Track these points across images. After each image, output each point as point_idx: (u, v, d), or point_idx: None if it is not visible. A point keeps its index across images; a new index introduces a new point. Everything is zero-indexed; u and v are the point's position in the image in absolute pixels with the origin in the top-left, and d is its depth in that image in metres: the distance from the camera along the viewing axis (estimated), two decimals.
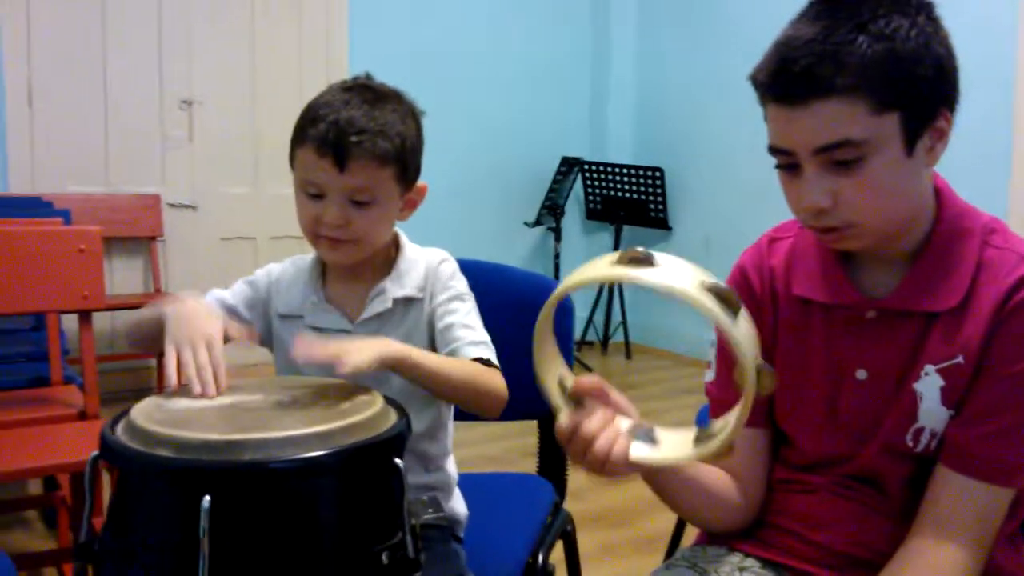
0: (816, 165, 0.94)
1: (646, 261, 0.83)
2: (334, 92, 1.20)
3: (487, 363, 1.20)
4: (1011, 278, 0.97)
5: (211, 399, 1.02)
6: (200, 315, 1.11)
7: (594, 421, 0.90)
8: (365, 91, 1.20)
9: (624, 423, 0.93)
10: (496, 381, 1.19)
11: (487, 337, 1.24)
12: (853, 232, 0.97)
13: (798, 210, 1.00)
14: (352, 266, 1.27)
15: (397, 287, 1.25)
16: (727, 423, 0.89)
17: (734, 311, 0.82)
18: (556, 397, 0.94)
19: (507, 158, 5.30)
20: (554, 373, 0.95)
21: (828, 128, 0.91)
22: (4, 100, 3.89)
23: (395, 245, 1.31)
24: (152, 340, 1.15)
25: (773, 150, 0.98)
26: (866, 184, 0.93)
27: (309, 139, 1.16)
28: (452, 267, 1.29)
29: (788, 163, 0.97)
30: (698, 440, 0.92)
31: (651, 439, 0.93)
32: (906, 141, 0.93)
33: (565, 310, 1.59)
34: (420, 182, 1.27)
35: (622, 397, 0.95)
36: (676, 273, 0.82)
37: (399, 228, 1.33)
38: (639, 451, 0.91)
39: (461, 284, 1.28)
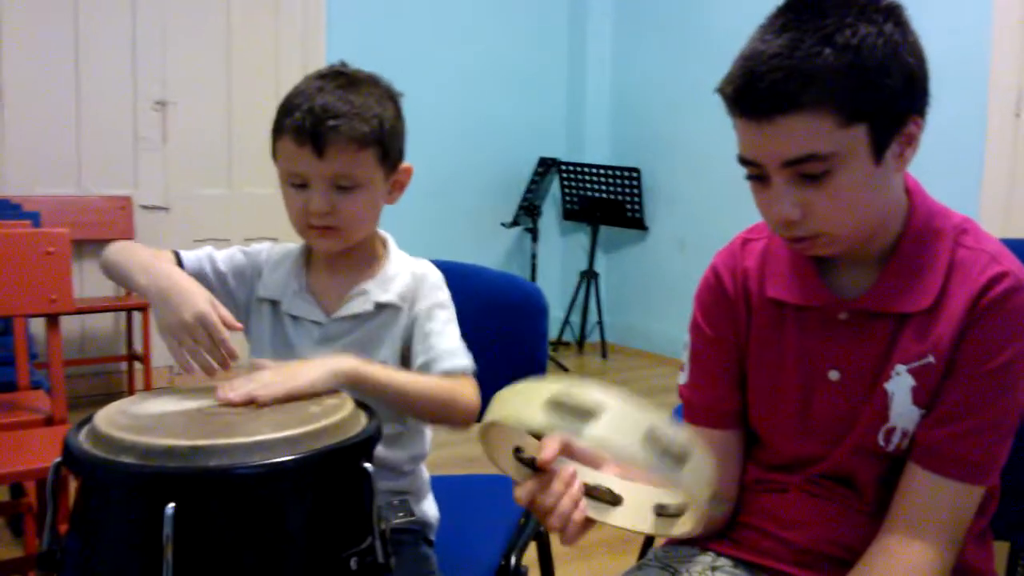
0: (784, 177, 0.94)
1: (588, 415, 0.78)
2: (308, 81, 1.21)
3: (461, 374, 1.20)
4: (982, 278, 0.98)
5: (180, 404, 1.00)
6: (184, 291, 1.09)
7: (550, 494, 0.90)
8: (339, 77, 1.21)
9: (587, 476, 0.93)
10: (466, 394, 1.18)
11: (462, 345, 1.23)
12: (823, 241, 0.97)
13: (768, 219, 1.00)
14: (337, 257, 1.26)
15: (380, 291, 1.25)
16: (686, 516, 0.90)
17: (680, 458, 0.78)
18: (512, 470, 0.94)
19: (484, 158, 5.29)
20: (506, 450, 0.94)
21: (795, 143, 0.91)
22: None
23: (383, 246, 1.31)
24: (124, 286, 1.17)
25: (742, 161, 0.98)
26: (834, 196, 0.93)
27: (287, 129, 1.16)
28: (437, 279, 1.29)
29: (757, 174, 0.97)
30: (659, 515, 0.93)
31: (613, 499, 0.93)
32: (874, 150, 0.92)
33: (539, 311, 1.59)
34: (405, 163, 1.26)
35: (586, 447, 0.94)
36: (619, 428, 0.78)
37: (386, 232, 1.33)
38: (598, 513, 0.92)
39: (443, 295, 1.28)
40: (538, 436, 0.92)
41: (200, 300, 1.08)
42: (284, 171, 1.20)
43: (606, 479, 0.96)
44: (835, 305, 1.04)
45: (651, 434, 0.77)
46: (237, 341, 1.23)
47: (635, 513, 0.93)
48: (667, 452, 0.78)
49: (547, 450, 0.90)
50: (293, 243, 1.33)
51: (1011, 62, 3.56)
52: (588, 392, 0.80)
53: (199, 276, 1.22)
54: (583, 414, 0.79)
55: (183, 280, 1.12)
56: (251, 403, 1.00)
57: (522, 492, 0.91)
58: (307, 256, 1.31)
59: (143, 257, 1.18)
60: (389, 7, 4.86)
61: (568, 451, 0.94)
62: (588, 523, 0.91)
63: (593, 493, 0.93)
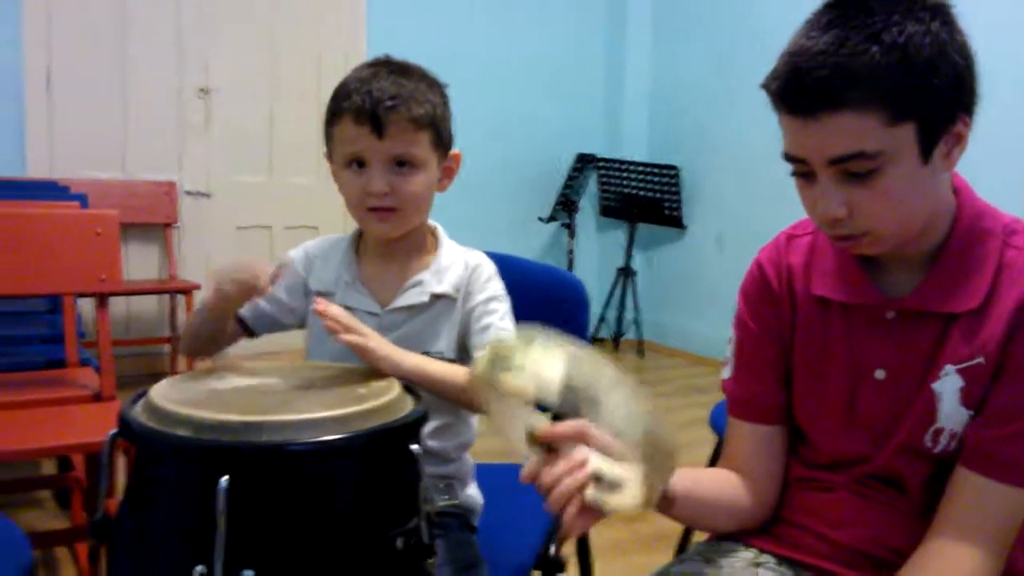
0: (830, 175, 0.93)
1: (515, 367, 0.85)
2: (360, 70, 1.24)
3: None
4: None
5: (235, 380, 1.03)
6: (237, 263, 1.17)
7: (553, 471, 0.88)
8: (389, 64, 1.24)
9: (594, 462, 0.89)
10: None
11: None
12: (869, 239, 0.96)
13: (814, 216, 0.99)
14: (389, 246, 1.28)
15: (435, 282, 1.26)
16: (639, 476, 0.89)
17: (593, 404, 0.81)
18: (522, 447, 0.92)
19: (522, 154, 5.29)
20: (518, 422, 0.92)
21: (841, 140, 0.90)
22: (24, 85, 3.91)
23: (433, 236, 1.32)
24: (209, 336, 1.25)
25: (788, 157, 0.97)
26: (881, 194, 0.92)
27: (345, 111, 1.19)
28: (491, 270, 1.30)
29: (803, 171, 0.96)
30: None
31: (615, 484, 0.90)
32: (922, 150, 0.91)
33: (580, 304, 1.59)
34: (454, 150, 1.29)
35: (599, 433, 0.91)
36: (536, 381, 0.83)
37: (435, 222, 1.34)
38: (596, 498, 0.88)
39: (499, 287, 1.29)
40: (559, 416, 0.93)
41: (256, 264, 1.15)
42: (342, 154, 1.22)
43: (616, 469, 0.92)
44: (882, 304, 1.03)
45: (570, 384, 0.82)
46: (298, 335, 1.31)
47: (632, 492, 0.90)
48: (585, 392, 0.82)
49: (561, 427, 0.89)
50: (337, 235, 1.35)
51: None
52: (521, 351, 0.86)
53: (255, 312, 1.30)
54: (511, 368, 0.85)
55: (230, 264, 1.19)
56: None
57: (527, 469, 0.90)
58: (357, 246, 1.32)
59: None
60: (429, 1, 4.87)
61: (583, 438, 0.90)
62: (591, 514, 0.88)
63: (601, 480, 0.90)
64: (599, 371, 0.83)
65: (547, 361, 0.84)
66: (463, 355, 1.26)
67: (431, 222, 1.33)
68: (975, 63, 0.94)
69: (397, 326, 1.25)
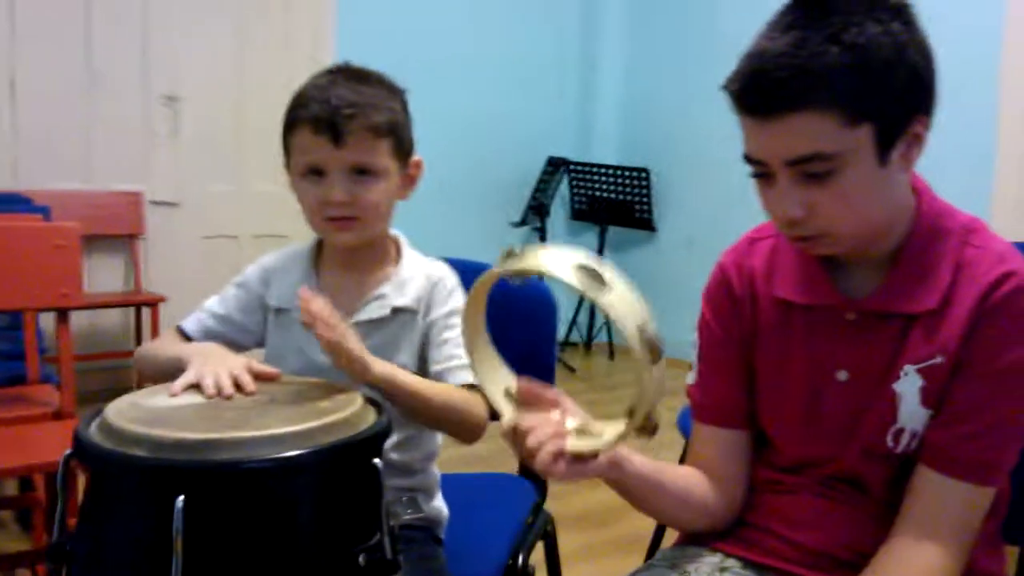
0: (789, 176, 0.94)
1: (528, 256, 0.88)
2: (317, 77, 1.22)
3: (476, 387, 1.19)
4: (989, 277, 0.97)
5: (193, 397, 1.01)
6: (226, 355, 1.11)
7: (532, 418, 0.91)
8: (348, 71, 1.23)
9: (571, 423, 0.94)
10: (479, 409, 1.18)
11: None
12: (827, 240, 0.97)
13: (773, 218, 1.00)
14: (349, 256, 1.26)
15: (398, 295, 1.25)
16: (645, 398, 0.90)
17: (605, 284, 0.85)
18: (501, 402, 0.96)
19: (493, 157, 5.28)
20: (498, 380, 0.98)
21: (800, 141, 0.91)
22: None
23: (395, 246, 1.30)
24: (164, 374, 1.15)
25: (748, 159, 0.98)
26: (839, 195, 0.93)
27: (303, 120, 1.17)
28: (453, 282, 1.29)
29: (762, 172, 0.97)
30: (629, 413, 0.93)
31: (594, 434, 0.94)
32: (879, 151, 0.92)
33: (548, 309, 1.59)
34: (415, 156, 1.27)
35: (571, 402, 0.96)
36: (551, 259, 0.87)
37: (399, 232, 1.32)
38: (577, 445, 0.92)
39: (459, 300, 1.27)
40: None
41: (238, 360, 1.09)
42: (300, 164, 1.20)
43: (593, 422, 0.96)
44: (843, 305, 1.03)
45: (579, 267, 0.85)
46: (256, 354, 1.26)
47: (608, 434, 0.93)
48: (593, 276, 0.85)
49: (527, 387, 0.93)
50: (295, 244, 1.32)
51: (1022, 64, 3.55)
52: (532, 248, 0.90)
53: (208, 335, 1.25)
54: (526, 256, 0.89)
55: (221, 351, 1.14)
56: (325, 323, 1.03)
57: (506, 420, 0.93)
58: (317, 257, 1.30)
59: (168, 342, 1.25)
60: (399, 4, 4.86)
61: (555, 405, 0.95)
62: (573, 461, 0.90)
63: (578, 433, 0.94)
64: (601, 261, 0.87)
65: (560, 250, 0.88)
66: (423, 369, 1.24)
67: (393, 232, 1.32)
68: (934, 64, 0.95)
69: (358, 340, 1.23)
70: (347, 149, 1.16)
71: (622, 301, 0.85)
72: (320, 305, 1.04)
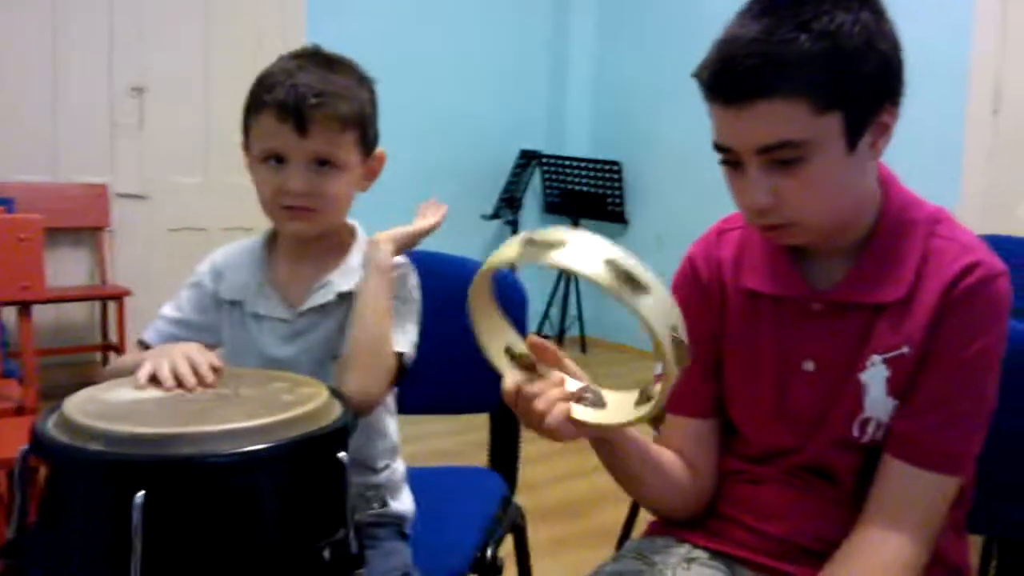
0: (758, 164, 0.94)
1: (555, 245, 0.84)
2: (285, 60, 1.19)
3: (400, 359, 1.18)
4: (955, 267, 0.98)
5: (154, 391, 0.99)
6: (187, 346, 1.08)
7: (537, 383, 0.92)
8: (317, 57, 1.19)
9: (573, 385, 0.95)
10: (387, 375, 1.15)
11: (414, 340, 1.21)
12: (795, 229, 0.97)
13: (741, 207, 1.00)
14: (302, 247, 1.24)
15: (343, 281, 1.22)
16: (662, 388, 0.90)
17: (641, 287, 0.82)
18: (502, 362, 0.96)
19: (465, 150, 5.27)
20: (499, 340, 0.97)
21: (769, 129, 0.91)
22: None
23: (350, 235, 1.28)
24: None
25: (717, 146, 0.98)
26: (808, 183, 0.93)
27: (267, 105, 1.14)
28: (404, 270, 1.26)
29: (731, 160, 0.97)
30: (638, 403, 0.93)
31: (597, 402, 0.95)
32: (848, 139, 0.93)
33: (518, 303, 1.58)
34: (378, 149, 1.25)
35: (573, 363, 0.98)
36: (584, 253, 0.83)
37: (365, 221, 1.30)
38: (582, 413, 0.93)
39: (408, 287, 1.25)
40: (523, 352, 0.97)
41: (194, 346, 1.07)
42: (260, 149, 1.17)
43: (595, 387, 0.97)
44: (810, 296, 1.04)
45: (613, 261, 0.82)
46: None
47: (616, 410, 0.94)
48: (629, 279, 0.82)
49: (539, 338, 0.94)
50: (248, 239, 1.30)
51: (990, 59, 3.59)
52: (555, 231, 0.85)
53: (169, 340, 1.21)
54: (551, 245, 0.83)
55: (180, 344, 1.11)
56: None
57: (509, 381, 0.93)
58: (269, 248, 1.27)
59: (128, 357, 1.22)
60: None
61: (558, 363, 0.96)
62: (576, 424, 0.92)
63: (580, 399, 0.95)
64: (634, 258, 0.84)
65: (587, 243, 0.84)
66: None
67: (350, 221, 1.29)
68: (902, 54, 0.95)
69: (309, 330, 1.21)
70: (311, 139, 1.13)
71: (659, 304, 0.83)
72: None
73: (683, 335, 0.85)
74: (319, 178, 1.16)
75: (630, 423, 0.93)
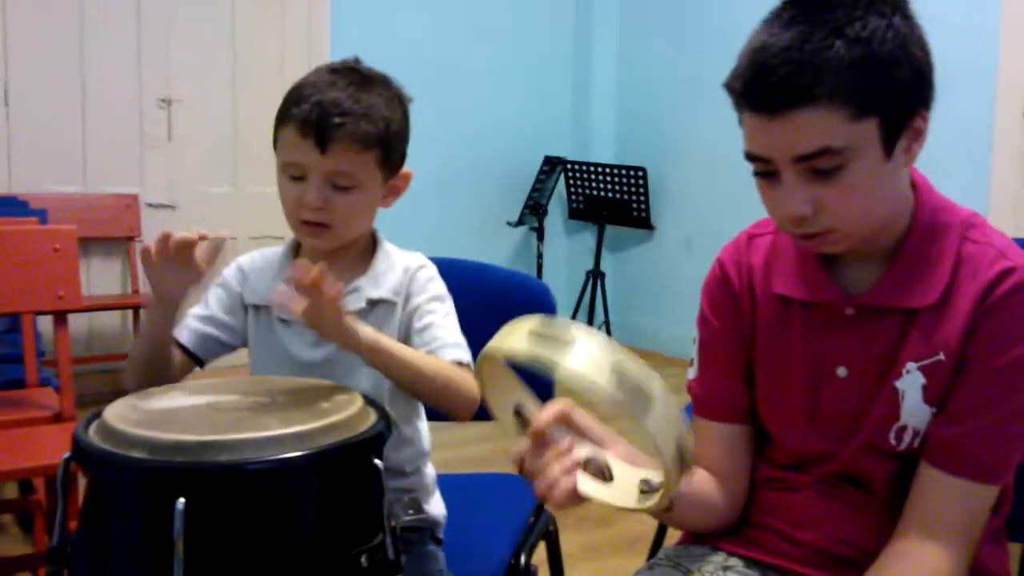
0: (795, 173, 0.93)
1: (562, 342, 0.80)
2: (320, 73, 1.19)
3: (466, 366, 1.19)
4: (990, 273, 0.97)
5: (192, 399, 1.00)
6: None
7: (545, 454, 0.88)
8: (352, 73, 1.19)
9: (582, 451, 0.91)
10: (470, 383, 1.16)
11: (463, 340, 1.22)
12: (833, 237, 0.96)
13: (777, 216, 0.99)
14: (326, 256, 1.24)
15: (372, 287, 1.23)
16: (662, 494, 0.87)
17: (646, 398, 0.79)
18: (509, 424, 0.93)
19: (489, 157, 5.28)
20: (509, 399, 0.94)
21: (807, 137, 0.90)
22: None
23: (373, 241, 1.29)
24: (156, 367, 1.17)
25: (750, 157, 0.96)
26: (847, 191, 0.92)
27: (292, 118, 1.15)
28: (431, 272, 1.27)
29: (766, 170, 0.96)
30: (643, 491, 0.90)
31: (604, 473, 0.92)
32: (884, 145, 0.92)
33: (547, 310, 1.59)
34: (405, 168, 1.25)
35: (587, 418, 0.93)
36: (588, 360, 0.79)
37: (379, 226, 1.30)
38: (587, 486, 0.90)
39: (439, 287, 1.26)
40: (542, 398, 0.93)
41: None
42: (283, 161, 1.18)
43: (603, 455, 0.94)
44: (842, 301, 1.03)
45: (622, 373, 0.78)
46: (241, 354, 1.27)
47: (622, 491, 0.92)
48: (637, 391, 0.78)
49: (544, 413, 0.88)
50: (273, 247, 1.31)
51: (1018, 61, 3.55)
52: (563, 327, 0.82)
53: (200, 338, 1.25)
54: (557, 343, 0.80)
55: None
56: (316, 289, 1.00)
57: (515, 452, 0.89)
58: (294, 256, 1.28)
59: None
60: (394, 5, 4.85)
61: (569, 422, 0.92)
62: (579, 497, 0.89)
63: (587, 466, 0.92)
64: (639, 363, 0.81)
65: (595, 350, 0.80)
66: None
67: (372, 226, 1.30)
68: (932, 58, 0.95)
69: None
70: (329, 157, 1.14)
71: (665, 415, 0.79)
72: (284, 296, 1.02)
73: (689, 441, 0.81)
74: (335, 195, 1.16)
75: (631, 510, 0.90)
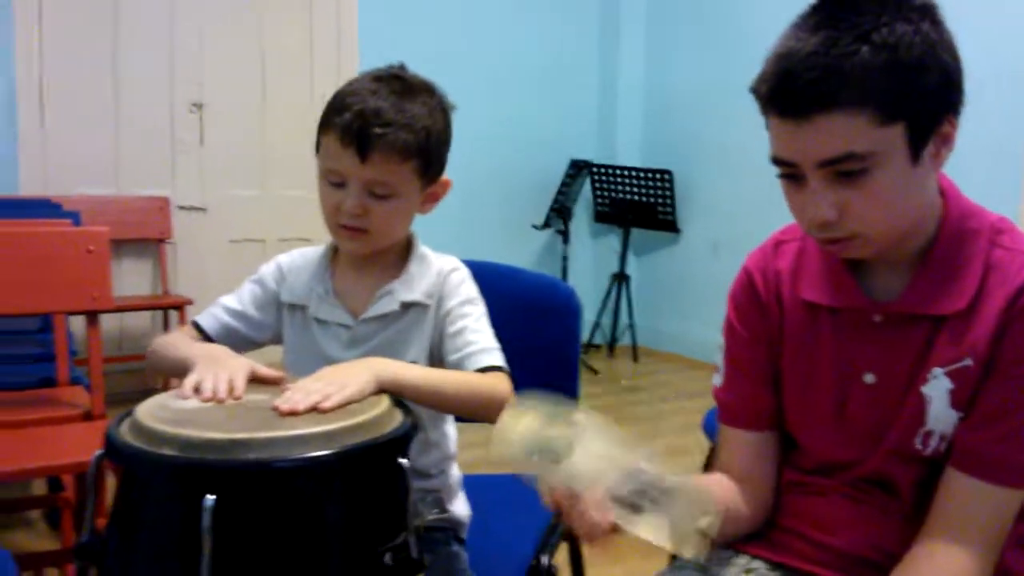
0: (821, 177, 0.93)
1: (564, 453, 0.83)
2: (364, 81, 1.20)
3: (497, 369, 1.19)
4: (1019, 279, 0.96)
5: (186, 399, 1.02)
6: (230, 357, 1.12)
7: (580, 504, 0.89)
8: (395, 81, 1.19)
9: (612, 477, 0.91)
10: (501, 387, 1.17)
11: (496, 343, 1.23)
12: (859, 242, 0.96)
13: (803, 220, 0.99)
14: (363, 259, 1.26)
15: (406, 290, 1.24)
16: (706, 531, 0.88)
17: (650, 500, 0.82)
18: (532, 469, 0.92)
19: (515, 160, 5.29)
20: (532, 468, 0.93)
21: (833, 142, 0.90)
22: (16, 102, 3.90)
23: (408, 245, 1.30)
24: (173, 373, 1.16)
25: (776, 161, 0.97)
26: (872, 196, 0.92)
27: (334, 127, 1.16)
28: (464, 275, 1.28)
29: (792, 174, 0.96)
30: (674, 533, 0.90)
31: (632, 505, 0.91)
32: (912, 150, 0.91)
33: (572, 313, 1.59)
34: (444, 176, 1.26)
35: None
36: (592, 471, 0.82)
37: (414, 231, 1.31)
38: (622, 521, 0.90)
39: (472, 290, 1.27)
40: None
41: (240, 366, 1.09)
42: (324, 167, 1.20)
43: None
44: (870, 307, 1.02)
45: (632, 475, 0.82)
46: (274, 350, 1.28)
47: (652, 529, 0.91)
48: (646, 493, 0.82)
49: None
50: (307, 247, 1.33)
51: None
52: (565, 435, 0.85)
53: (225, 330, 1.26)
54: (557, 458, 0.84)
55: (233, 355, 1.14)
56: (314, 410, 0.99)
57: (545, 489, 0.91)
58: (332, 258, 1.30)
59: (179, 339, 1.25)
60: (421, 9, 4.88)
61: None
62: (615, 530, 0.90)
63: (618, 498, 0.91)
64: (636, 449, 0.84)
65: (591, 447, 0.83)
66: (434, 362, 1.24)
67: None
68: (961, 64, 0.94)
69: (369, 337, 1.23)
70: (369, 166, 1.15)
71: (685, 502, 0.83)
72: (291, 400, 1.00)
73: (712, 529, 0.83)
74: (374, 203, 1.17)
75: (663, 545, 0.90)
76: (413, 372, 1.13)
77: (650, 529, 0.91)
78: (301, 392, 1.01)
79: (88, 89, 4.05)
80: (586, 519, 0.89)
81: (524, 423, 0.87)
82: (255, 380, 1.08)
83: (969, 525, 0.96)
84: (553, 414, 0.87)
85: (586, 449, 0.83)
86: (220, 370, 1.06)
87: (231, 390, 1.03)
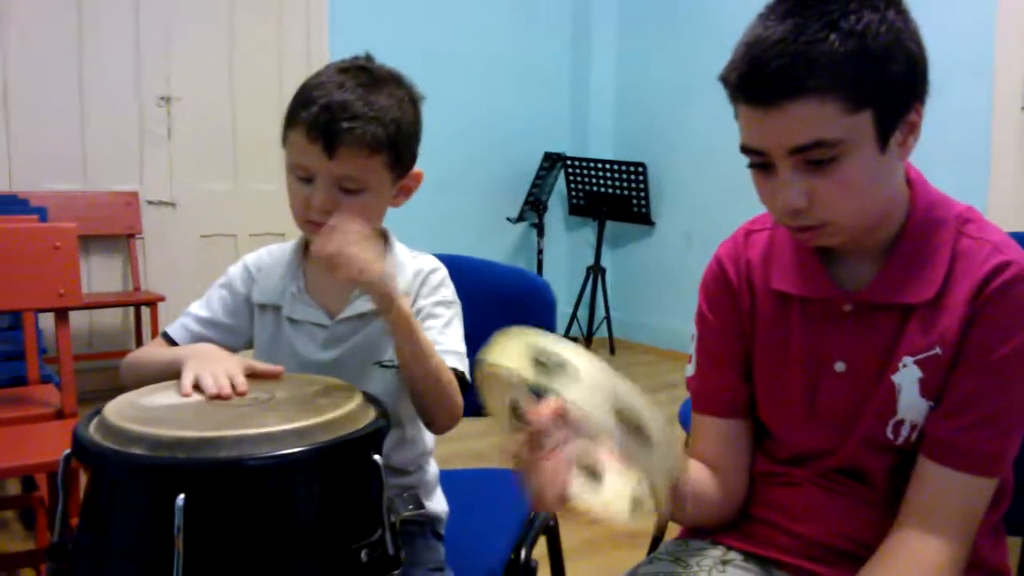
0: (790, 165, 0.93)
1: (560, 370, 0.81)
2: (330, 73, 1.16)
3: (458, 374, 1.17)
4: (986, 267, 0.97)
5: (187, 397, 1.01)
6: (222, 355, 1.10)
7: (536, 453, 0.85)
8: (361, 73, 1.16)
9: (573, 449, 0.88)
10: (458, 396, 1.15)
11: (463, 349, 1.21)
12: (828, 230, 0.97)
13: (773, 209, 0.99)
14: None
15: None
16: (654, 493, 0.86)
17: (645, 438, 0.80)
18: (503, 420, 0.91)
19: (489, 153, 5.28)
20: (503, 399, 0.92)
21: (802, 129, 0.90)
22: None
23: (383, 241, 1.28)
24: (160, 380, 1.12)
25: (746, 150, 0.97)
26: (841, 183, 0.93)
27: (300, 121, 1.13)
28: (441, 275, 1.26)
29: (761, 162, 0.96)
30: (634, 504, 0.87)
31: (595, 475, 0.88)
32: (879, 138, 0.92)
33: (547, 306, 1.59)
34: (416, 169, 1.23)
35: (576, 408, 0.90)
36: (588, 395, 0.80)
37: (389, 226, 1.29)
38: (578, 488, 0.87)
39: (448, 293, 1.25)
40: (537, 393, 0.90)
41: (234, 362, 1.08)
42: (291, 162, 1.17)
43: (595, 454, 0.90)
44: (839, 297, 1.03)
45: (621, 412, 0.80)
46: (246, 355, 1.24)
47: (611, 501, 0.87)
48: (636, 430, 0.80)
49: (542, 409, 0.85)
50: (275, 245, 1.30)
51: (1016, 56, 3.55)
52: (561, 349, 0.83)
53: (196, 340, 1.22)
54: (558, 373, 0.82)
55: (223, 352, 1.13)
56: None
57: (509, 447, 0.87)
58: (304, 254, 1.27)
59: (157, 349, 1.22)
60: (393, 2, 4.85)
61: (564, 418, 0.87)
62: (564, 500, 0.86)
63: (580, 464, 0.88)
64: (638, 395, 0.82)
65: (590, 372, 0.81)
66: None
67: (382, 227, 1.28)
68: (926, 52, 0.95)
69: (347, 337, 1.21)
70: (337, 161, 1.12)
71: (662, 454, 0.81)
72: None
73: (683, 469, 0.84)
74: (344, 198, 1.14)
75: (623, 521, 0.86)
76: (419, 325, 1.12)
77: (598, 501, 0.87)
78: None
79: (54, 82, 3.98)
80: (540, 475, 0.84)
81: (524, 338, 0.85)
82: (250, 375, 1.06)
83: (942, 514, 0.97)
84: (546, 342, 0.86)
85: (587, 371, 0.81)
86: (215, 366, 1.04)
87: (232, 384, 1.02)
